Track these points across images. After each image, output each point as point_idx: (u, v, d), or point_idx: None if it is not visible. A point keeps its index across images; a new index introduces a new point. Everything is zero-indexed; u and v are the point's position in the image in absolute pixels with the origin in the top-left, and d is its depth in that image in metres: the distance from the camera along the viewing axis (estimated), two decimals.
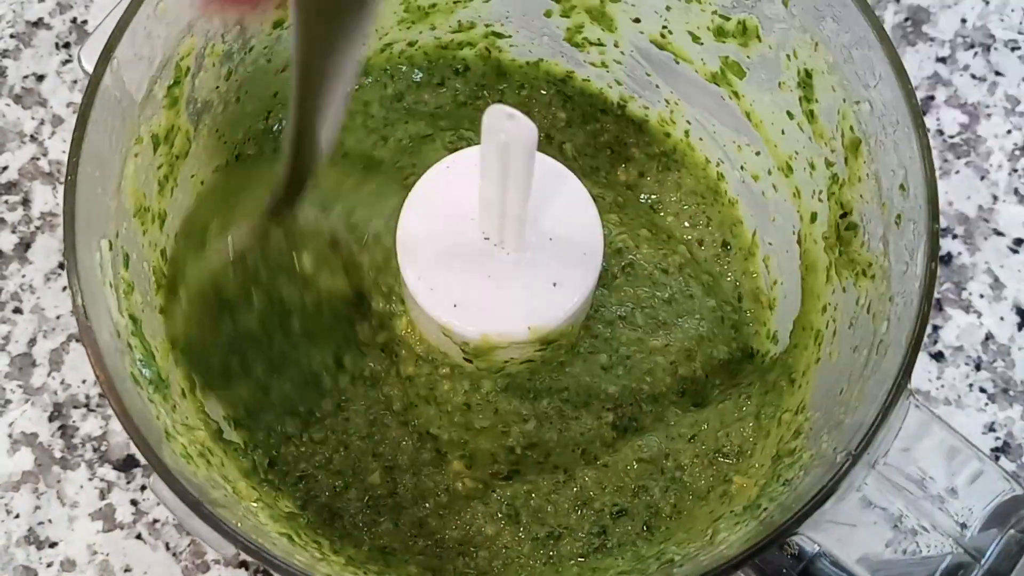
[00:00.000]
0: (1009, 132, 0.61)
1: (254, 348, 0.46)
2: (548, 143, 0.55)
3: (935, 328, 0.58)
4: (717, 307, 0.52)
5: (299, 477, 0.49)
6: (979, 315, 0.58)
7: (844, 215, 0.45)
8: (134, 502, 0.54)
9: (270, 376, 0.47)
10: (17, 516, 0.54)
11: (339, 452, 0.49)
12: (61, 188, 0.58)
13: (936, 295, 0.57)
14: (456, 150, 0.48)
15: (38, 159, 0.60)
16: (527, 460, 0.49)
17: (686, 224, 0.55)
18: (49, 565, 0.53)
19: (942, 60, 0.63)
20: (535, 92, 0.56)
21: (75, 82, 0.61)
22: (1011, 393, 0.56)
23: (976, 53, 0.63)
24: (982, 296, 0.58)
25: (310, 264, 0.45)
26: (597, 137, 0.56)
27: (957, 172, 0.60)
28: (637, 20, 0.51)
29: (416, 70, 0.56)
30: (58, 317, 0.57)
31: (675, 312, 0.51)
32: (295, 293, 0.46)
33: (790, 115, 0.47)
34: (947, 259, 0.59)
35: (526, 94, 0.56)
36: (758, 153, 0.51)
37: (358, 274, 0.48)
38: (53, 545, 0.53)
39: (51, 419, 0.55)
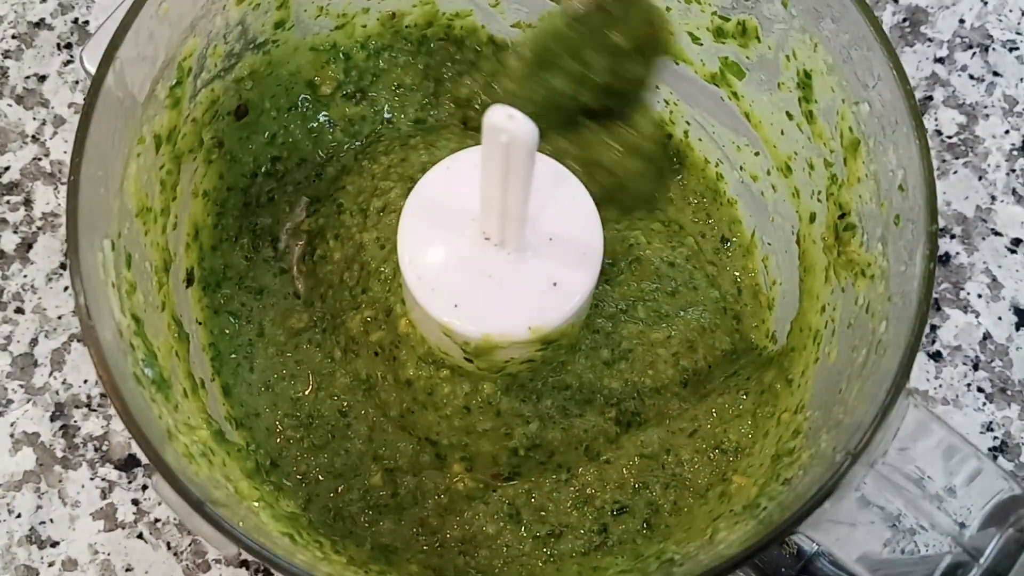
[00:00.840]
0: (1007, 132, 0.61)
1: (554, 114, 0.48)
2: None
3: (933, 328, 0.58)
4: (720, 298, 0.52)
5: (300, 478, 0.49)
6: (977, 315, 0.58)
7: (843, 215, 0.45)
8: (135, 502, 0.54)
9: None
10: (19, 515, 0.54)
11: (340, 455, 0.50)
12: (63, 188, 0.59)
13: (934, 295, 0.58)
14: None
15: (40, 159, 0.60)
16: (530, 461, 0.49)
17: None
18: (51, 564, 0.53)
19: (940, 60, 0.63)
20: None
21: (77, 83, 0.61)
22: (1009, 392, 0.57)
23: (974, 53, 0.63)
24: (980, 296, 0.58)
25: (626, 41, 0.47)
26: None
27: (955, 172, 0.61)
28: None
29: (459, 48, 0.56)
30: (60, 317, 0.57)
31: (678, 304, 0.51)
32: (604, 66, 0.48)
33: (789, 116, 0.47)
34: (945, 259, 0.59)
35: None
36: (757, 153, 0.51)
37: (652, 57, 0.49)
38: (55, 544, 0.54)
39: (53, 419, 0.56)
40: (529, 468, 0.49)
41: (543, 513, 0.49)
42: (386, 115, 0.55)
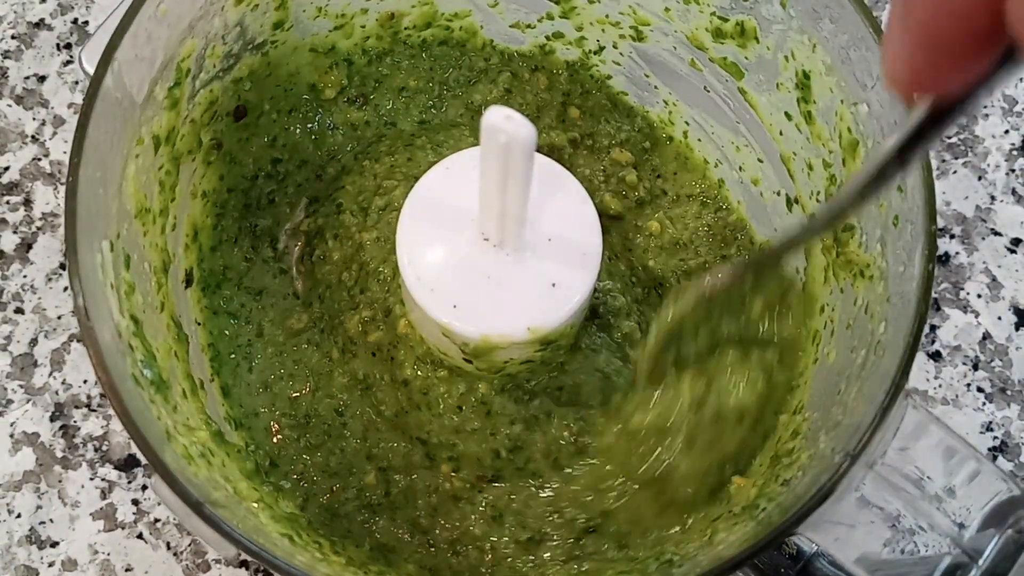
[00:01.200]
0: (1007, 132, 0.61)
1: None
2: None
3: (933, 328, 0.58)
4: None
5: (297, 478, 0.49)
6: (976, 315, 0.58)
7: None
8: (135, 502, 0.54)
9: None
10: (19, 516, 0.54)
11: (335, 454, 0.50)
12: (62, 189, 0.59)
13: (934, 295, 0.57)
14: None
15: (39, 160, 0.60)
16: (509, 465, 0.49)
17: None
18: (51, 564, 0.53)
19: None
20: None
21: (76, 83, 0.61)
22: (1008, 392, 0.57)
23: None
24: (979, 296, 0.58)
25: (759, 309, 0.43)
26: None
27: (955, 172, 0.60)
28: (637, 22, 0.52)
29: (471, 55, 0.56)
30: (59, 317, 0.57)
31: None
32: (736, 329, 0.44)
33: (788, 116, 0.47)
34: (945, 259, 0.59)
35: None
36: (761, 160, 0.51)
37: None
38: (55, 545, 0.54)
39: (52, 419, 0.56)
40: (509, 473, 0.49)
41: (522, 517, 0.49)
42: (390, 118, 0.55)
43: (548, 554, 0.48)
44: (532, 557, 0.48)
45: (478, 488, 0.49)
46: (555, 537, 0.48)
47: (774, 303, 0.43)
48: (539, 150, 0.48)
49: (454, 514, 0.49)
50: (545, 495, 0.49)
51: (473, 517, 0.49)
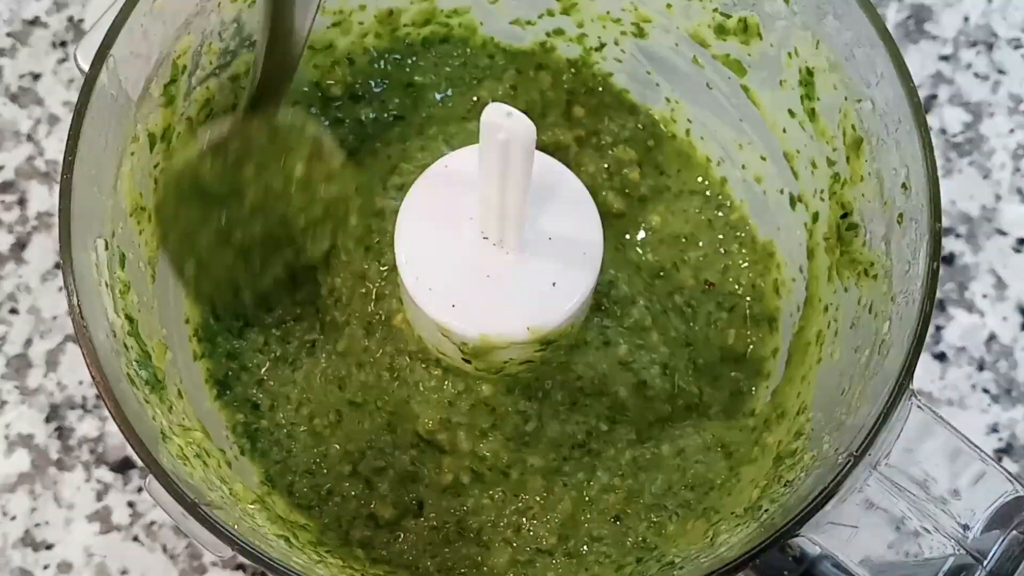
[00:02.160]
0: (1012, 131, 0.61)
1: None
2: None
3: (938, 328, 0.57)
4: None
5: (279, 463, 0.48)
6: (982, 315, 0.58)
7: (845, 215, 0.45)
8: (131, 504, 0.54)
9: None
10: (14, 518, 0.54)
11: (310, 438, 0.49)
12: (57, 187, 0.58)
13: (939, 295, 0.57)
14: None
15: (34, 158, 0.60)
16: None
17: None
18: (46, 567, 0.53)
19: (945, 58, 0.62)
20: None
21: (71, 81, 0.61)
22: (1014, 394, 0.56)
23: (979, 51, 0.62)
24: (985, 296, 0.58)
25: (300, 169, 0.46)
26: None
27: (960, 171, 0.60)
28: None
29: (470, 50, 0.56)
30: (54, 317, 0.57)
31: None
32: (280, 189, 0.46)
33: (791, 113, 0.47)
34: (950, 259, 0.58)
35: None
36: (764, 158, 0.51)
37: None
38: (50, 547, 0.53)
39: (47, 420, 0.55)
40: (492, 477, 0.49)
41: (508, 525, 0.48)
42: (399, 112, 0.55)
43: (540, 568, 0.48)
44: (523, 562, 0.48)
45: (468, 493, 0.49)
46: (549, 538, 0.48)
47: (312, 166, 0.46)
48: (545, 148, 0.47)
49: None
50: (517, 504, 0.49)
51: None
